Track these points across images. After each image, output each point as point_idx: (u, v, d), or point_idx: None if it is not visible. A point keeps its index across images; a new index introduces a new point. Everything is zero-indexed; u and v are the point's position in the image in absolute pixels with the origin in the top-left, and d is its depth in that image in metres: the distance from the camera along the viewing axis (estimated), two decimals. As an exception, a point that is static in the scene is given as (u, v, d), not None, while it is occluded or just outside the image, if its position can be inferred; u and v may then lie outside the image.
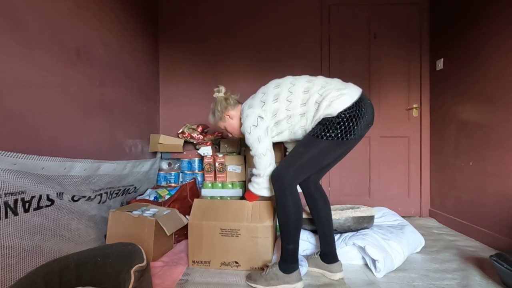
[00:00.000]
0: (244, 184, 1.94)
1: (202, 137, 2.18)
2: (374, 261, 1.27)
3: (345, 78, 2.39)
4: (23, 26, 1.06)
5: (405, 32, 2.33)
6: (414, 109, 2.32)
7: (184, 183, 1.96)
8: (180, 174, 2.17)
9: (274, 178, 1.16)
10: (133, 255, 1.01)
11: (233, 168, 1.93)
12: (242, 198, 1.51)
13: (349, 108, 1.07)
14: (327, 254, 1.26)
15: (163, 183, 2.16)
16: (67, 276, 0.99)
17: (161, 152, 2.22)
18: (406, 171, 2.35)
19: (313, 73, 2.30)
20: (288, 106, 1.17)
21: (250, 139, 1.22)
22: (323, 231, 1.27)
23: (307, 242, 1.45)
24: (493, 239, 1.61)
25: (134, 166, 1.82)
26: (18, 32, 1.04)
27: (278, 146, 1.75)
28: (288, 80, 1.22)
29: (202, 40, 2.38)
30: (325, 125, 1.08)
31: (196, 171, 2.13)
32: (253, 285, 1.16)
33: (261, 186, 1.27)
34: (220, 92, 1.40)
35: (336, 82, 1.17)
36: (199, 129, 2.22)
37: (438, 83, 2.20)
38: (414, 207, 2.34)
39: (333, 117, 1.07)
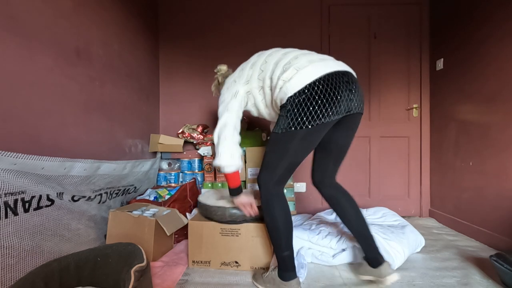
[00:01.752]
0: (244, 184, 1.94)
1: (202, 137, 2.18)
2: None
3: (345, 78, 2.39)
4: (23, 26, 1.07)
5: (405, 32, 2.33)
6: (414, 109, 2.32)
7: (184, 183, 1.96)
8: (180, 174, 2.17)
9: (258, 184, 1.11)
10: (133, 255, 1.01)
11: (233, 168, 1.93)
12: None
13: (301, 91, 0.95)
14: (370, 258, 1.14)
15: (163, 183, 2.16)
16: (67, 276, 0.99)
17: (161, 152, 2.22)
18: (406, 171, 2.35)
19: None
20: (260, 75, 1.11)
21: (219, 100, 1.20)
22: (358, 233, 1.15)
23: (308, 242, 1.44)
24: (493, 239, 1.61)
25: (134, 166, 1.82)
26: (18, 32, 1.04)
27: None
28: (272, 50, 1.17)
29: (202, 39, 2.38)
30: (282, 116, 1.00)
31: (196, 171, 2.13)
32: (254, 283, 1.19)
33: (217, 154, 1.10)
34: (219, 72, 1.40)
35: (304, 56, 1.04)
36: (199, 129, 2.22)
37: (438, 83, 2.20)
38: (414, 207, 2.34)
39: (283, 103, 1.00)
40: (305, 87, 0.96)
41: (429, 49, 2.31)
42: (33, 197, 1.05)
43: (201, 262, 1.35)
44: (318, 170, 1.21)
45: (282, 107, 1.02)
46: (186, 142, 2.22)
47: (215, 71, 1.41)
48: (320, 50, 2.34)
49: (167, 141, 2.12)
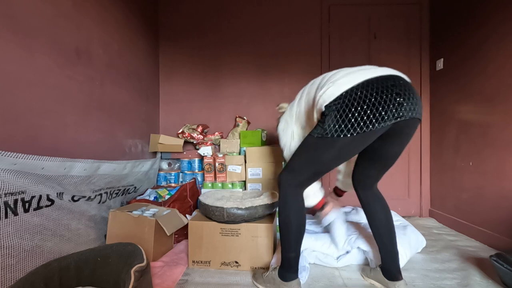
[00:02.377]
0: (244, 184, 1.94)
1: (202, 137, 2.18)
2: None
3: (345, 78, 2.39)
4: (23, 26, 1.06)
5: (405, 32, 2.33)
6: (414, 109, 2.32)
7: (184, 183, 1.96)
8: (180, 174, 2.17)
9: (278, 183, 1.10)
10: (133, 255, 1.01)
11: (233, 168, 1.93)
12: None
13: (337, 99, 0.90)
14: (388, 270, 1.11)
15: (163, 183, 2.16)
16: (67, 276, 0.99)
17: (161, 152, 2.22)
18: (406, 171, 2.35)
19: (313, 72, 2.32)
20: (305, 108, 1.11)
21: (281, 143, 1.24)
22: (383, 244, 1.12)
23: (312, 246, 1.41)
24: (493, 239, 1.61)
25: (134, 166, 1.82)
26: (18, 32, 1.04)
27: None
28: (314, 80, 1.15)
29: (202, 39, 2.38)
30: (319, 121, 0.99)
31: (196, 171, 2.13)
32: (254, 282, 1.19)
33: (306, 196, 1.17)
34: (281, 109, 1.40)
35: (344, 71, 0.99)
36: (199, 129, 2.22)
37: (438, 83, 2.20)
38: (414, 207, 2.34)
39: (322, 112, 0.97)
40: (341, 94, 0.90)
41: (429, 49, 2.31)
42: (33, 197, 1.05)
43: (201, 262, 1.35)
44: (359, 173, 1.15)
45: (321, 115, 0.98)
46: (186, 142, 2.22)
47: (277, 109, 1.45)
48: (320, 50, 2.35)
49: (167, 141, 2.12)
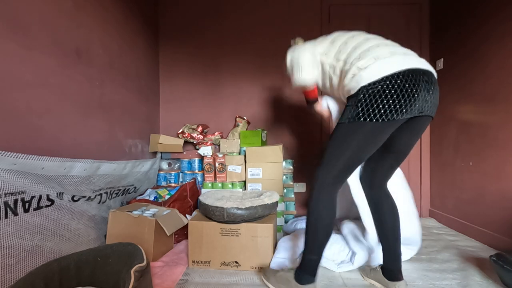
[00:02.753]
0: (244, 184, 1.94)
1: (202, 137, 2.18)
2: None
3: (345, 78, 2.38)
4: (23, 26, 1.06)
5: (405, 32, 2.33)
6: (414, 109, 2.32)
7: (184, 183, 1.96)
8: (180, 174, 2.17)
9: (314, 179, 1.03)
10: (133, 255, 1.01)
11: (233, 168, 1.93)
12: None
13: (377, 82, 0.89)
14: (389, 270, 1.11)
15: (163, 183, 2.16)
16: (67, 276, 0.99)
17: (161, 152, 2.22)
18: (406, 171, 2.35)
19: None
20: (336, 55, 1.06)
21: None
22: (388, 245, 1.10)
23: None
24: (493, 239, 1.61)
25: (134, 166, 1.82)
26: (18, 32, 1.04)
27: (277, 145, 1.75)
28: (353, 32, 1.13)
29: (202, 39, 2.38)
30: (352, 105, 0.94)
31: (196, 171, 2.13)
32: (265, 281, 1.15)
33: (298, 69, 1.11)
34: (297, 43, 1.33)
35: (388, 49, 0.96)
36: (199, 129, 2.22)
37: (438, 83, 2.19)
38: (414, 207, 2.34)
39: (354, 93, 0.94)
40: (383, 78, 0.89)
41: (429, 49, 2.31)
42: (33, 197, 1.05)
43: (201, 262, 1.35)
44: (370, 170, 1.14)
45: (352, 96, 0.96)
46: (186, 142, 2.22)
47: (292, 41, 1.39)
48: (320, 50, 2.34)
49: (167, 141, 2.12)
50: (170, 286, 1.15)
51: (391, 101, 0.88)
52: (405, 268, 1.33)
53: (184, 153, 2.16)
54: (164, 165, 2.21)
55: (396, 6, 2.32)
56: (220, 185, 1.93)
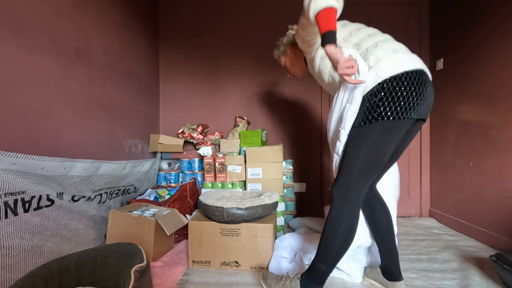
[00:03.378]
0: (244, 184, 1.94)
1: (202, 137, 2.18)
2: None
3: (345, 78, 2.38)
4: (23, 26, 1.07)
5: (405, 32, 2.33)
6: (414, 109, 2.32)
7: (184, 183, 1.96)
8: (180, 174, 2.17)
9: (333, 189, 0.96)
10: (133, 255, 1.01)
11: (233, 168, 1.93)
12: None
13: (398, 77, 0.85)
14: (389, 270, 1.11)
15: (163, 183, 2.16)
16: (67, 276, 0.99)
17: (161, 152, 2.22)
18: (406, 171, 2.35)
19: (313, 73, 2.32)
20: (342, 40, 1.01)
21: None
22: (385, 244, 1.11)
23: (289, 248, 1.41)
24: (493, 239, 1.61)
25: (134, 166, 1.82)
26: (18, 32, 1.04)
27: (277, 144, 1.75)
28: (356, 24, 1.13)
29: (202, 39, 2.38)
30: (370, 104, 0.88)
31: (196, 171, 2.13)
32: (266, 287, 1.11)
33: None
34: (293, 30, 1.30)
35: (399, 46, 0.97)
36: (199, 129, 2.22)
37: (438, 83, 2.20)
38: (414, 207, 2.34)
39: (375, 86, 0.87)
40: (403, 73, 0.86)
41: (429, 49, 2.31)
42: (33, 197, 1.05)
43: (201, 262, 1.35)
44: None
45: (369, 92, 0.88)
46: (186, 142, 2.22)
47: (290, 27, 1.32)
48: (320, 50, 2.34)
49: (167, 141, 2.12)
50: (170, 286, 1.15)
51: (410, 98, 0.85)
52: (405, 268, 1.33)
53: (184, 153, 2.16)
54: (164, 165, 2.21)
55: (396, 6, 2.32)
56: (220, 185, 1.93)
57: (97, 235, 1.40)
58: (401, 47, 0.96)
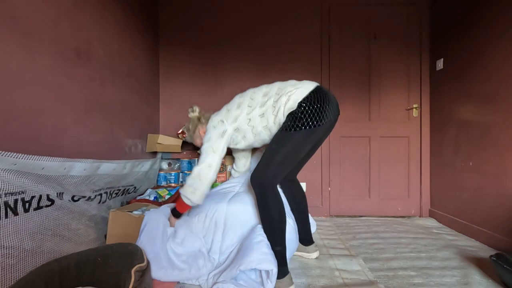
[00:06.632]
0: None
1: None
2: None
3: (345, 78, 2.38)
4: (23, 26, 1.06)
5: (405, 32, 2.33)
6: (414, 109, 2.32)
7: (184, 183, 1.96)
8: (180, 174, 2.17)
9: (253, 180, 1.16)
10: (133, 255, 1.01)
11: (233, 168, 1.93)
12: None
13: (307, 97, 1.12)
14: (305, 239, 1.45)
15: (163, 183, 2.16)
16: (67, 276, 0.99)
17: (161, 152, 2.22)
18: (406, 171, 2.35)
19: (313, 72, 2.33)
20: (248, 110, 1.23)
21: (205, 138, 1.28)
22: (303, 217, 1.44)
23: None
24: (493, 239, 1.61)
25: (134, 166, 1.82)
26: (18, 32, 1.04)
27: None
28: (250, 90, 1.32)
29: (202, 39, 2.38)
30: (292, 118, 1.12)
31: (196, 171, 2.13)
32: None
33: (192, 189, 1.21)
34: (194, 112, 1.49)
35: (290, 82, 1.23)
36: (199, 129, 2.21)
37: (438, 83, 2.21)
38: (414, 207, 2.34)
39: (295, 109, 1.11)
40: (309, 94, 1.12)
41: (429, 49, 2.31)
42: (33, 197, 1.05)
43: (201, 262, 1.35)
44: (293, 168, 1.38)
45: (290, 114, 1.13)
46: (186, 142, 2.22)
47: (190, 110, 1.50)
48: (320, 50, 2.35)
49: (166, 141, 2.12)
50: (170, 286, 1.15)
51: (323, 109, 1.11)
52: (405, 266, 1.33)
53: (184, 153, 2.16)
54: (164, 165, 2.21)
55: (396, 6, 2.33)
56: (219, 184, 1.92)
57: (97, 235, 1.40)
58: (294, 82, 1.23)
